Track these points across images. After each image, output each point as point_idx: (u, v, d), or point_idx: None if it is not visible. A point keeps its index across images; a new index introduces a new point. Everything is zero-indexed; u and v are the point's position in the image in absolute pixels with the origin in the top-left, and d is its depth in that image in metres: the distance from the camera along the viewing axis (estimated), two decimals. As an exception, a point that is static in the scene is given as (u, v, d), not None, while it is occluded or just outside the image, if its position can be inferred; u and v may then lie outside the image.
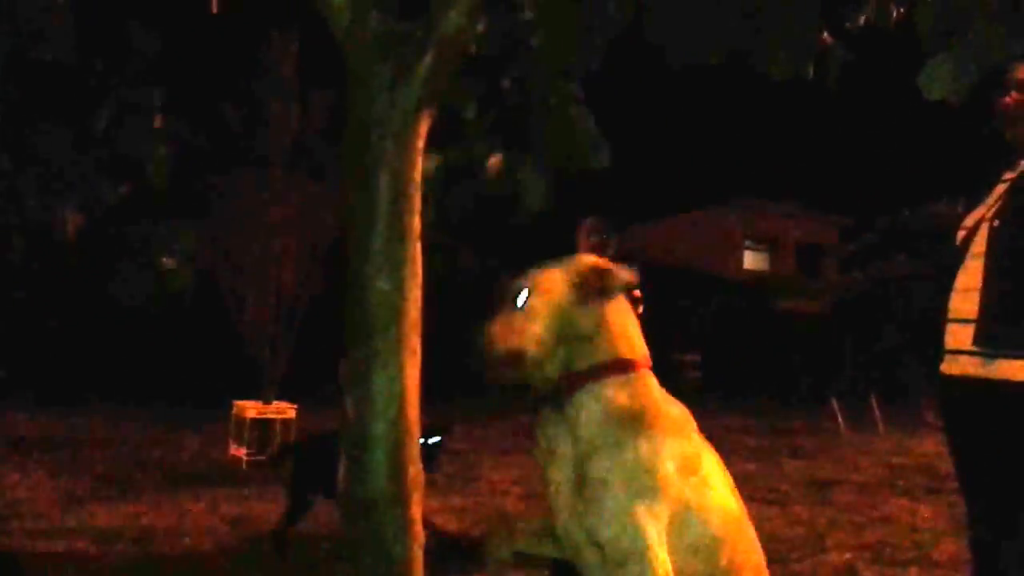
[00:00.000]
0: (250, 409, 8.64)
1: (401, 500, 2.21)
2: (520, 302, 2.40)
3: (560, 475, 2.40)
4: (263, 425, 8.63)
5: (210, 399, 10.08)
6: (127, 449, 9.48)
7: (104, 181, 3.31)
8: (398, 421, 2.21)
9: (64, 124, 3.32)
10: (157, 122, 3.26)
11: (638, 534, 2.35)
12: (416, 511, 2.24)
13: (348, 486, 2.22)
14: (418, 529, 2.24)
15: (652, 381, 2.55)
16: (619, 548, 2.33)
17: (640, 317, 5.25)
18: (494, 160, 3.47)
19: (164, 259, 3.19)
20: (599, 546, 2.36)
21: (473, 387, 3.16)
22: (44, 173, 3.51)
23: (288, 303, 9.26)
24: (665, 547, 2.39)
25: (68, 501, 6.85)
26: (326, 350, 13.50)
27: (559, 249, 2.82)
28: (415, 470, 2.25)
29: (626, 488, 2.37)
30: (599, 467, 2.37)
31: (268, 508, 6.88)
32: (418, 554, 2.21)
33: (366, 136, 2.24)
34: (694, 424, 2.58)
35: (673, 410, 2.55)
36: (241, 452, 8.49)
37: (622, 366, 2.49)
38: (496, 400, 11.75)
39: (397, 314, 2.22)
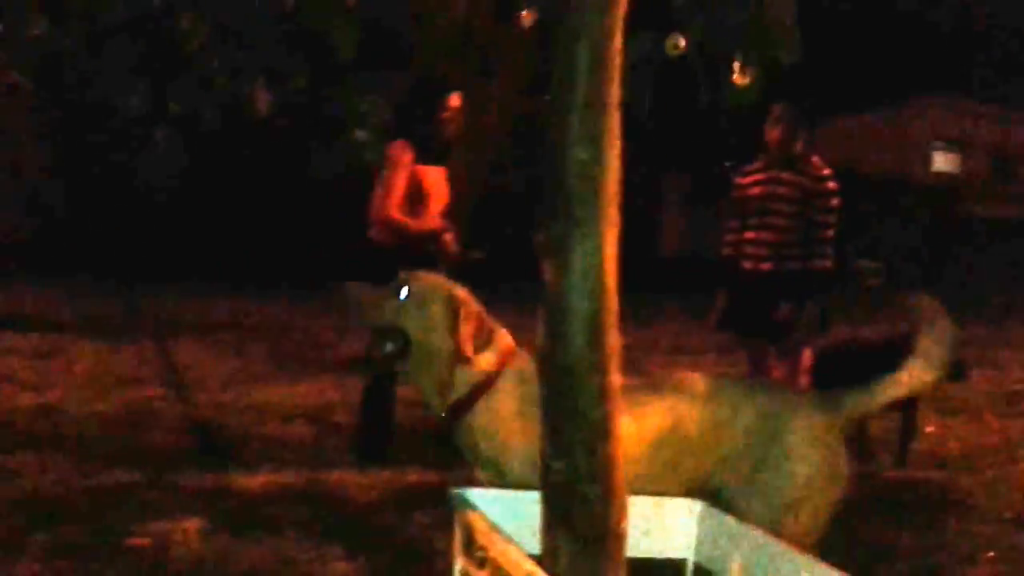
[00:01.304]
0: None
1: (600, 367, 2.18)
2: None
3: None
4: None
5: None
6: (303, 333, 9.85)
7: (293, 56, 3.29)
8: (596, 291, 2.19)
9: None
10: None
11: None
12: (615, 379, 2.22)
13: (548, 352, 2.21)
14: (616, 395, 2.22)
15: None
16: None
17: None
18: (680, 42, 3.27)
19: (357, 132, 3.18)
20: None
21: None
22: (234, 50, 3.51)
23: (456, 186, 9.26)
24: None
25: (249, 379, 7.20)
26: (494, 239, 13.60)
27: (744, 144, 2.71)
28: (613, 338, 2.23)
29: None
30: None
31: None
32: (616, 420, 2.20)
33: (562, 5, 2.15)
34: None
35: None
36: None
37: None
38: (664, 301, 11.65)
39: (595, 185, 2.18)
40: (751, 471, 2.73)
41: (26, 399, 6.14)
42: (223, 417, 5.93)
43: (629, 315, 2.38)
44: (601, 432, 2.18)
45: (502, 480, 2.77)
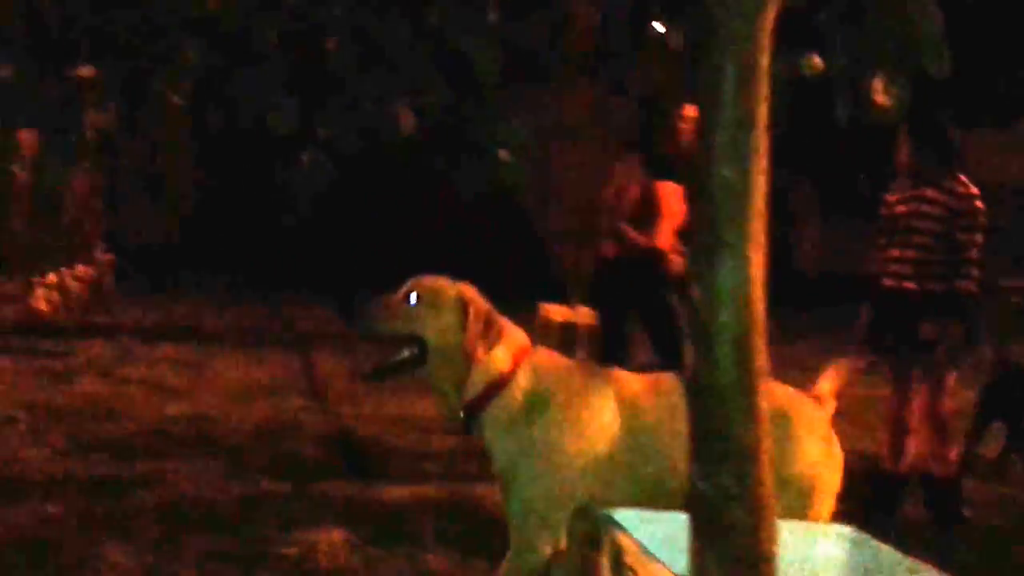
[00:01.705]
0: (556, 313, 8.81)
1: (747, 388, 2.16)
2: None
3: None
4: (569, 329, 8.77)
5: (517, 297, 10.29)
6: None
7: (439, 79, 3.34)
8: (744, 311, 2.16)
9: (400, 18, 3.38)
10: (491, 16, 3.26)
11: None
12: (762, 400, 2.18)
13: (694, 373, 2.20)
14: (764, 417, 2.18)
15: None
16: None
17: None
18: (816, 61, 3.21)
19: (500, 152, 3.23)
20: None
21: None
22: (382, 71, 3.59)
23: (588, 207, 9.30)
24: None
25: (390, 390, 7.31)
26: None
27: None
28: (761, 359, 2.19)
29: None
30: None
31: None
32: (764, 442, 2.16)
33: (711, 20, 2.14)
34: None
35: None
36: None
37: None
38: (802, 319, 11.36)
39: (742, 204, 2.16)
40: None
41: (177, 407, 6.41)
42: (365, 428, 6.07)
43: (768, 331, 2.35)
44: (748, 454, 2.15)
45: (517, 477, 2.84)
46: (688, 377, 2.25)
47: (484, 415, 2.86)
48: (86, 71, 3.64)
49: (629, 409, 2.94)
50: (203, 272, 12.39)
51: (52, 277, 10.79)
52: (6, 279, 11.17)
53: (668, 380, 3.07)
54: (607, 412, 2.91)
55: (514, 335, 2.94)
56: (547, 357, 3.00)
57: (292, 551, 3.82)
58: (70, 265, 11.32)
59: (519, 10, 3.94)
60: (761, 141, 2.18)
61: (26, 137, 10.40)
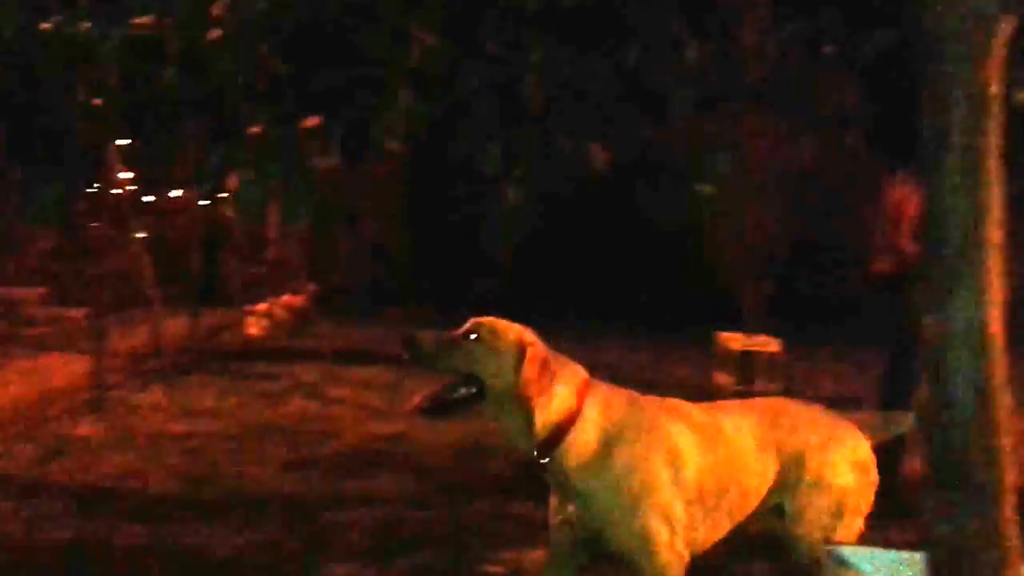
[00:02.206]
0: (734, 341, 8.75)
1: (988, 428, 2.11)
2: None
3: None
4: (747, 357, 8.70)
5: (692, 329, 10.26)
6: (618, 372, 10.08)
7: (634, 116, 3.49)
8: (982, 347, 2.11)
9: (598, 56, 3.52)
10: (687, 55, 3.37)
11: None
12: (1005, 439, 2.13)
13: (932, 412, 2.17)
14: (1007, 458, 2.13)
15: None
16: None
17: None
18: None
19: (698, 186, 3.33)
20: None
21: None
22: (577, 109, 3.75)
23: (768, 236, 9.22)
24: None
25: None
26: (807, 285, 13.23)
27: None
28: (1003, 397, 2.14)
29: None
30: None
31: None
32: (1008, 484, 2.11)
33: (937, 47, 2.11)
34: None
35: None
36: (726, 381, 8.64)
37: None
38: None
39: (977, 235, 2.11)
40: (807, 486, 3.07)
41: (380, 426, 6.76)
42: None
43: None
44: (990, 496, 2.10)
45: (590, 512, 2.87)
46: (924, 416, 2.22)
47: (559, 454, 2.86)
48: (311, 121, 3.97)
49: (702, 435, 2.99)
50: (400, 300, 12.94)
51: (262, 306, 11.58)
52: (224, 309, 12.04)
53: (734, 406, 3.22)
54: (684, 437, 2.96)
55: (573, 371, 2.94)
56: (609, 388, 3.00)
57: (499, 570, 3.97)
58: (278, 295, 12.12)
59: (704, 46, 4.02)
60: (996, 170, 2.13)
61: (233, 180, 11.20)
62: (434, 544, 4.32)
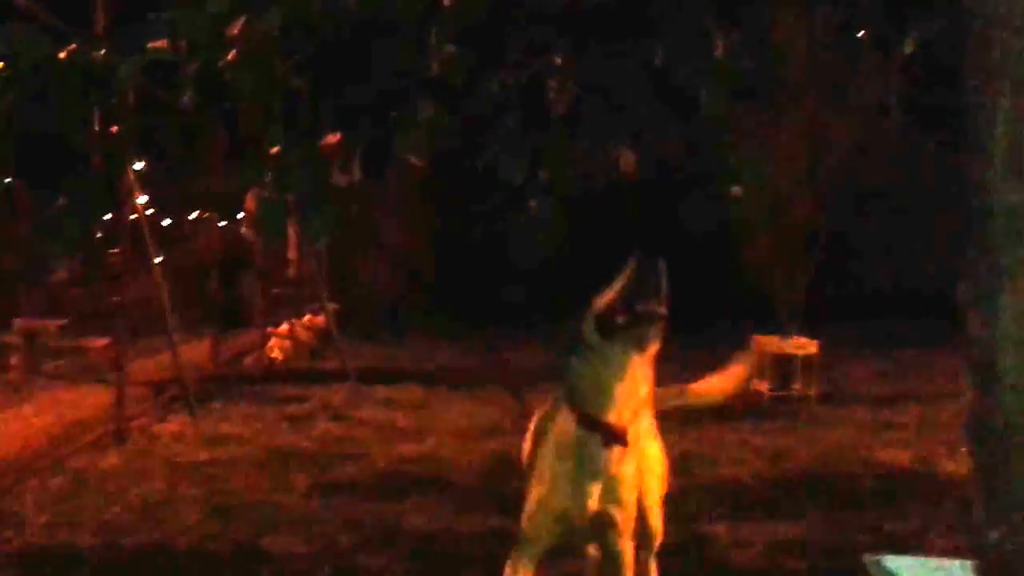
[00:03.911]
0: (771, 344, 8.60)
1: None
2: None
3: None
4: (784, 361, 8.55)
5: (727, 331, 10.10)
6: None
7: (667, 116, 3.36)
8: None
9: (621, 55, 3.42)
10: (717, 51, 3.24)
11: None
12: None
13: (979, 413, 2.07)
14: None
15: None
16: None
17: None
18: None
19: (734, 188, 3.20)
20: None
21: None
22: (603, 111, 3.63)
23: (802, 234, 9.06)
24: None
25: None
26: (844, 284, 13.01)
27: None
28: None
29: None
30: None
31: (797, 442, 6.84)
32: None
33: (987, 34, 2.01)
34: None
35: None
36: (763, 386, 8.49)
37: None
38: None
39: None
40: None
41: (408, 447, 6.65)
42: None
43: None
44: None
45: (618, 494, 3.08)
46: (970, 418, 2.11)
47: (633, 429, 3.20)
48: (332, 138, 3.88)
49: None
50: (422, 316, 12.86)
51: (284, 327, 11.50)
52: (246, 332, 11.98)
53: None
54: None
55: None
56: None
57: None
58: (299, 315, 12.03)
59: (734, 41, 3.90)
60: None
61: (251, 200, 11.15)
62: (465, 563, 4.20)
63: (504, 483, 5.67)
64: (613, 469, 3.02)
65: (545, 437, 3.18)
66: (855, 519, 4.92)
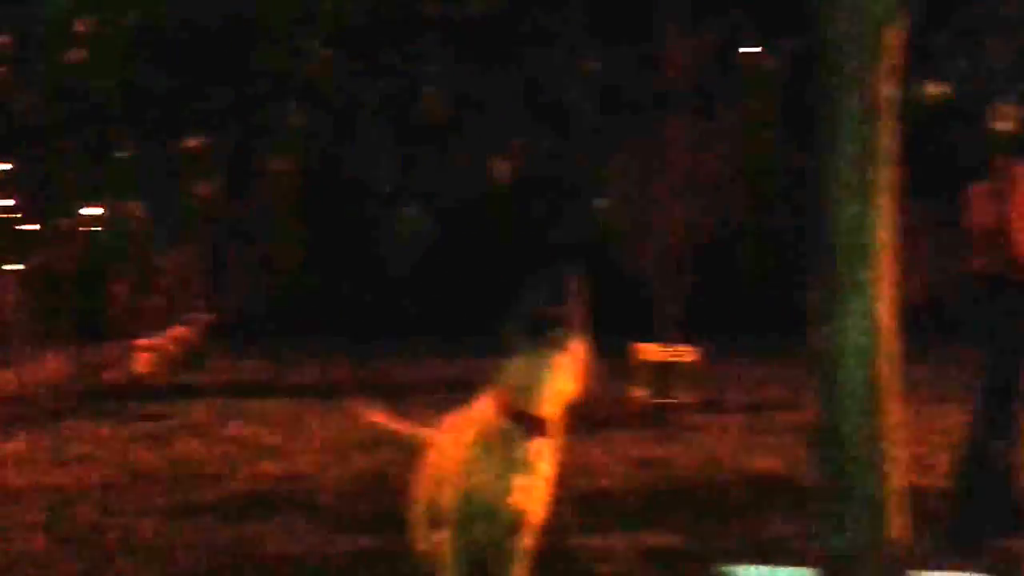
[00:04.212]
0: (650, 352, 8.63)
1: (878, 438, 2.12)
2: None
3: None
4: (664, 368, 8.60)
5: (605, 339, 10.11)
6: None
7: (538, 127, 3.29)
8: (874, 354, 2.10)
9: (495, 70, 3.33)
10: (589, 65, 3.17)
11: None
12: (896, 450, 2.17)
13: (822, 423, 2.16)
14: (898, 468, 2.18)
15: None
16: None
17: None
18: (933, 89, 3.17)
19: (601, 201, 3.13)
20: None
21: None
22: (479, 122, 3.55)
23: (684, 243, 9.18)
24: None
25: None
26: (722, 292, 13.26)
27: None
28: (894, 407, 2.16)
29: None
30: None
31: (673, 450, 6.87)
32: (898, 495, 2.15)
33: (833, 53, 2.13)
34: None
35: None
36: (642, 394, 8.52)
37: None
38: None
39: (870, 242, 2.11)
40: None
41: (274, 466, 6.40)
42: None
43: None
44: (882, 508, 2.10)
45: (540, 488, 3.26)
46: (814, 427, 2.21)
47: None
48: (192, 143, 3.67)
49: None
50: (297, 329, 12.54)
51: (151, 340, 11.03)
52: (109, 344, 11.44)
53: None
54: None
55: None
56: None
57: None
58: (168, 328, 11.56)
59: (612, 53, 3.89)
60: (889, 176, 2.13)
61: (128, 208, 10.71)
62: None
63: (374, 501, 5.49)
64: (534, 464, 3.19)
65: (470, 435, 3.31)
66: (726, 527, 4.91)
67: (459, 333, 13.53)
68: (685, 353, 8.67)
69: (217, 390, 8.98)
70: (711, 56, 8.53)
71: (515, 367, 3.24)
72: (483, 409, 3.32)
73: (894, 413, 2.13)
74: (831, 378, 2.11)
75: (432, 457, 3.73)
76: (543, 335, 3.20)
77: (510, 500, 3.20)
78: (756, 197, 10.19)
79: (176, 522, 5.14)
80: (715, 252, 9.68)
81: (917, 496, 4.97)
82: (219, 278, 14.01)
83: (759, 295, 15.07)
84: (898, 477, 2.15)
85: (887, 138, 2.12)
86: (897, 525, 2.11)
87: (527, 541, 3.33)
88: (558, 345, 3.22)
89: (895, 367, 2.12)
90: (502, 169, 3.39)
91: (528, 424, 3.18)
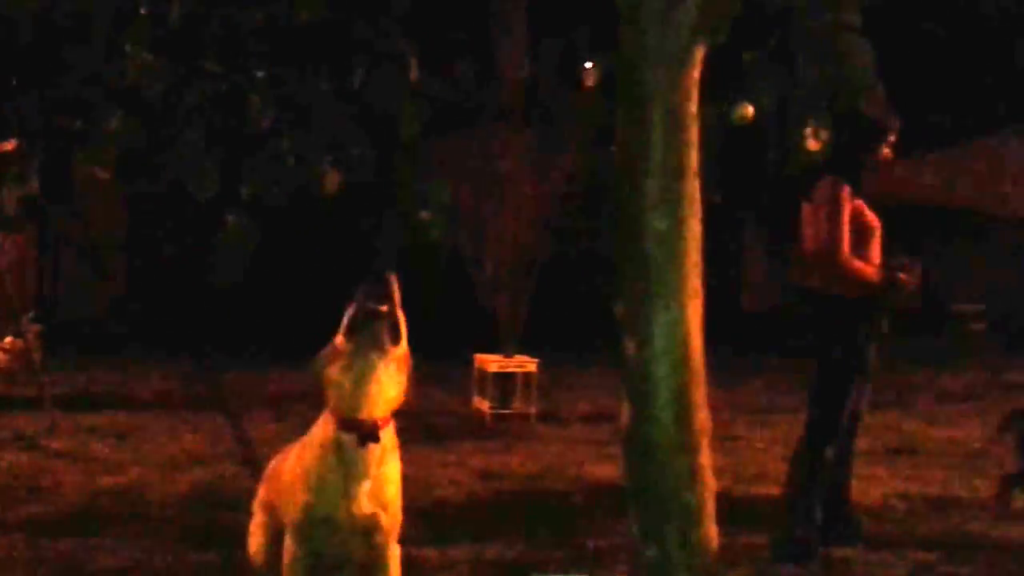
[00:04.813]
0: (492, 363, 8.75)
1: (688, 447, 2.14)
2: None
3: None
4: (505, 379, 8.71)
5: (449, 351, 10.18)
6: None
7: (362, 137, 3.34)
8: (681, 365, 2.13)
9: (323, 78, 3.37)
10: (412, 75, 3.26)
11: None
12: (704, 458, 2.17)
13: (632, 432, 2.18)
14: (708, 476, 2.16)
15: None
16: None
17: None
18: (746, 110, 3.25)
19: (422, 212, 3.23)
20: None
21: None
22: (304, 130, 3.58)
23: (524, 256, 9.33)
24: None
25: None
26: (564, 303, 13.52)
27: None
28: (702, 415, 2.17)
29: None
30: None
31: (514, 461, 6.96)
32: (709, 503, 2.15)
33: (637, 69, 2.14)
34: None
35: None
36: (484, 405, 8.62)
37: None
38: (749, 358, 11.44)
39: (675, 254, 2.13)
40: None
41: (106, 479, 6.20)
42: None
43: (714, 375, 2.28)
44: (693, 517, 2.11)
45: (384, 496, 3.26)
46: (624, 436, 2.23)
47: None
48: (7, 145, 3.59)
49: None
50: (131, 338, 12.11)
51: (-25, 350, 10.45)
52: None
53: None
54: None
55: None
56: None
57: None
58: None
59: (446, 66, 3.96)
60: (693, 188, 2.17)
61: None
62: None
63: (208, 514, 5.41)
64: (375, 470, 3.15)
65: (307, 447, 3.31)
66: (563, 537, 5.03)
67: (297, 340, 13.32)
68: (526, 364, 8.83)
69: (51, 402, 8.60)
70: (550, 71, 8.73)
71: (336, 372, 3.21)
72: (317, 424, 3.32)
73: (703, 422, 2.14)
74: (640, 388, 2.13)
75: (272, 468, 3.75)
76: (362, 336, 3.17)
77: (353, 508, 3.14)
78: (592, 212, 10.44)
79: (1, 537, 4.96)
80: (555, 264, 9.87)
81: (752, 505, 5.27)
82: (55, 287, 13.42)
83: (597, 307, 15.40)
84: (709, 485, 2.15)
85: (691, 152, 2.15)
86: (709, 534, 2.13)
87: (393, 548, 3.29)
88: (378, 346, 3.19)
89: (702, 377, 2.14)
90: (332, 178, 3.38)
91: (359, 430, 3.13)
